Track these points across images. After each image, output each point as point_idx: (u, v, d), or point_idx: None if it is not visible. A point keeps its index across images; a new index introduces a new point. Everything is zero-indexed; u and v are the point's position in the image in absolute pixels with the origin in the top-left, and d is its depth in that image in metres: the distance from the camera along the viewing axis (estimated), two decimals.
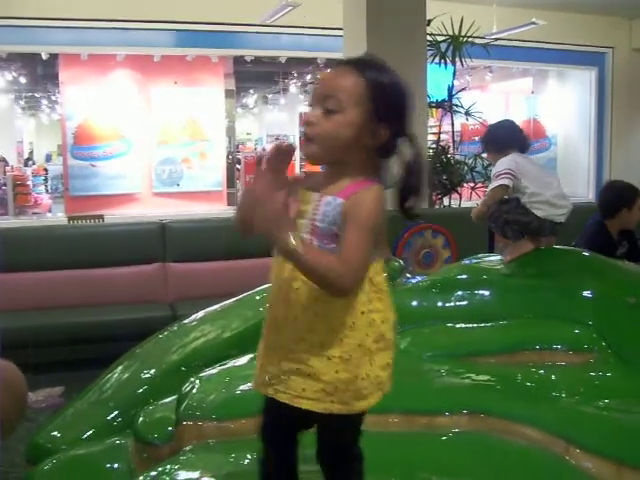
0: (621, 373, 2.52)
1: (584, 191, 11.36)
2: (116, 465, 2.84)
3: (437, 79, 7.09)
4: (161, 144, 9.61)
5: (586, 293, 2.90)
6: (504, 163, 3.25)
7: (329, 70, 1.48)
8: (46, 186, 13.34)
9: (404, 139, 1.47)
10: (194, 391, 2.56)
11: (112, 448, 2.93)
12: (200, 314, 3.70)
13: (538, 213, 3.12)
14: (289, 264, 1.41)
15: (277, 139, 12.15)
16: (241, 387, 2.50)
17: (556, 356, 2.56)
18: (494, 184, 3.24)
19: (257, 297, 3.60)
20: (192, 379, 2.69)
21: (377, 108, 1.41)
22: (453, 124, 7.34)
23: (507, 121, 3.77)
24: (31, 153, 18.54)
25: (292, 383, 1.47)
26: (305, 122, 1.44)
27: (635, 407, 2.27)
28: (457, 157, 7.36)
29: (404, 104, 1.46)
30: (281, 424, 1.61)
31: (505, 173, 3.19)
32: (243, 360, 2.80)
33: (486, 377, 2.43)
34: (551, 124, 12.44)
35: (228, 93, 10.63)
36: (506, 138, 3.43)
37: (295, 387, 1.46)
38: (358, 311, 1.44)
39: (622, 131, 10.82)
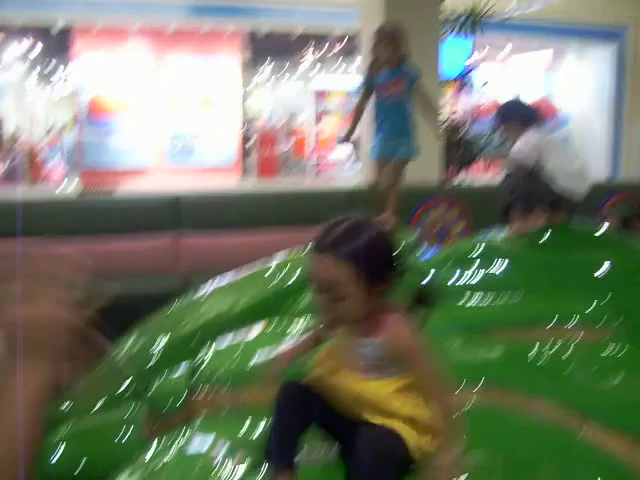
0: (637, 349, 2.48)
1: (599, 170, 11.25)
2: (127, 435, 2.85)
3: (453, 56, 7.03)
4: (174, 117, 9.57)
5: (604, 268, 2.86)
6: (527, 143, 3.22)
7: (314, 262, 1.57)
8: (60, 158, 13.32)
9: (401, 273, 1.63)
10: (206, 360, 2.56)
11: (124, 418, 2.94)
12: (212, 286, 3.70)
13: (556, 188, 3.08)
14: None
15: (291, 114, 12.07)
16: (254, 356, 2.49)
17: (572, 331, 2.53)
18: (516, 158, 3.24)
19: (270, 270, 3.59)
20: (204, 349, 2.69)
21: (372, 272, 1.55)
22: (467, 101, 7.28)
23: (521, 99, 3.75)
24: (51, 126, 18.47)
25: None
26: (320, 308, 1.60)
27: None
28: (471, 134, 7.30)
29: (389, 252, 1.61)
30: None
31: (528, 154, 3.19)
32: (256, 330, 2.79)
33: (501, 351, 2.40)
34: (567, 102, 12.31)
35: (242, 67, 10.56)
36: (527, 112, 3.40)
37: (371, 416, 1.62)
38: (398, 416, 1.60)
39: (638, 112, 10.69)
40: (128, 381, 3.17)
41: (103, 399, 3.10)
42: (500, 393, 2.18)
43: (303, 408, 1.67)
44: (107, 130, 9.37)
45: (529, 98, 8.26)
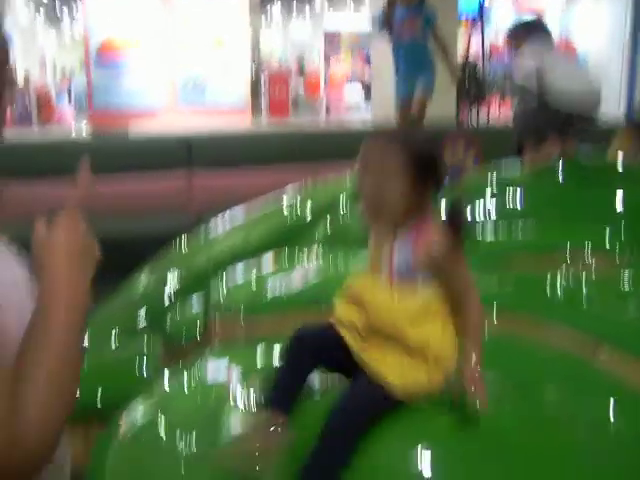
0: None
1: (614, 109, 11.10)
2: (144, 366, 2.88)
3: None
4: (185, 58, 9.47)
5: (619, 197, 2.84)
6: (528, 64, 3.17)
7: (370, 146, 1.64)
8: (70, 100, 13.24)
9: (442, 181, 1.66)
10: (222, 288, 2.57)
11: (140, 349, 2.97)
12: (226, 218, 3.70)
13: (563, 107, 3.03)
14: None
15: (302, 55, 11.93)
16: (269, 284, 2.50)
17: (587, 258, 2.52)
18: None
19: (283, 203, 3.59)
20: (219, 279, 2.70)
21: (420, 171, 1.59)
22: (483, 38, 7.17)
23: None
24: (61, 68, 18.32)
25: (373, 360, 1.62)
26: (361, 191, 1.62)
27: None
28: (485, 73, 7.22)
29: (437, 158, 1.65)
30: (328, 346, 1.69)
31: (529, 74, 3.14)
32: (269, 259, 2.80)
33: (515, 277, 2.40)
34: (584, 41, 12.09)
35: (253, 6, 10.41)
36: (531, 22, 3.35)
37: (375, 359, 1.61)
38: (439, 326, 1.64)
39: None
40: (144, 314, 3.20)
41: (119, 332, 3.14)
42: (513, 319, 2.18)
43: (310, 362, 1.69)
44: (118, 72, 9.30)
45: None
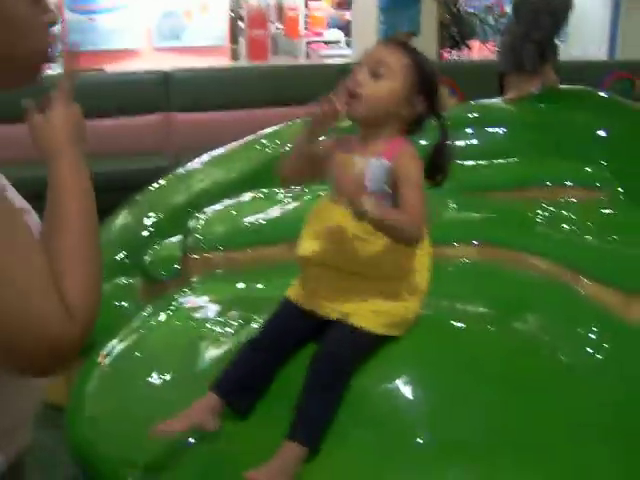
0: (630, 211, 2.49)
1: (596, 50, 11.01)
2: (124, 303, 2.87)
3: None
4: None
5: (600, 132, 2.83)
6: None
7: (379, 45, 1.62)
8: None
9: (434, 117, 1.60)
10: (200, 225, 2.54)
11: (120, 287, 2.96)
12: (204, 158, 3.66)
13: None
14: (343, 210, 1.50)
15: None
16: (247, 219, 2.48)
17: (567, 192, 2.52)
18: None
19: (263, 140, 3.56)
20: (197, 215, 2.68)
21: (418, 82, 1.55)
22: None
23: None
24: None
25: (343, 307, 1.57)
26: (353, 80, 1.54)
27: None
28: (468, 10, 7.12)
29: (437, 84, 1.60)
30: (294, 331, 1.64)
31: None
32: (247, 196, 2.78)
33: (496, 211, 2.40)
34: None
35: None
36: None
37: (345, 309, 1.56)
38: (416, 255, 1.60)
39: None
40: (122, 252, 3.19)
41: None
42: (494, 250, 2.18)
43: (273, 362, 1.62)
44: (93, 10, 9.08)
45: None
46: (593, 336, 1.83)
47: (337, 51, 10.90)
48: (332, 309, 1.58)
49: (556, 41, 3.29)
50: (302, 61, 10.37)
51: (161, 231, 3.11)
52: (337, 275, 1.58)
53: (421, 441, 1.48)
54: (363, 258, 1.55)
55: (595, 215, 2.41)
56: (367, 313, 1.55)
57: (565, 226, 2.30)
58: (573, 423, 1.58)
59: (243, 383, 1.59)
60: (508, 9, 4.43)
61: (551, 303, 1.97)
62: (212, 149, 3.78)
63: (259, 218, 2.45)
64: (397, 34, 1.43)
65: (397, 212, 1.50)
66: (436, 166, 1.59)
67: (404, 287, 1.60)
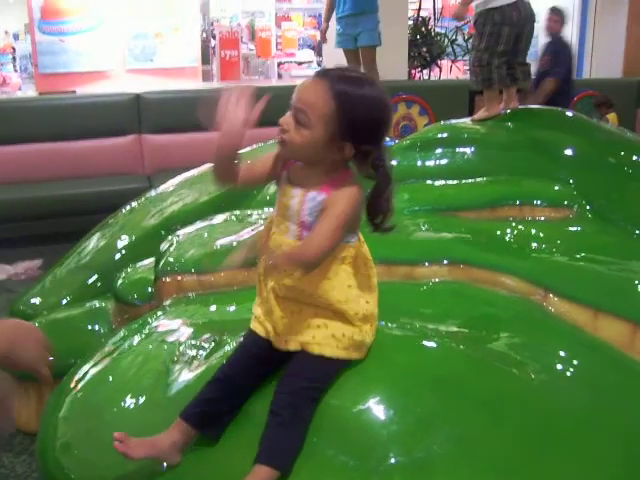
0: (598, 229, 2.51)
1: None
2: (97, 326, 2.87)
3: None
4: (133, 18, 9.27)
5: (567, 152, 2.87)
6: None
7: (308, 80, 1.50)
8: (14, 65, 12.90)
9: (374, 155, 1.49)
10: (172, 248, 2.55)
11: (92, 310, 2.96)
12: (176, 180, 3.67)
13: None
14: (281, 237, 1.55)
15: (253, 15, 11.77)
16: (219, 241, 2.49)
17: (536, 211, 2.55)
18: None
19: None
20: (170, 237, 2.68)
21: (343, 128, 1.45)
22: None
23: None
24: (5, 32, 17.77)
25: (303, 336, 1.56)
26: (280, 124, 1.48)
27: (611, 259, 2.28)
28: (437, 30, 7.20)
29: (376, 120, 1.48)
30: (259, 361, 1.63)
31: None
32: (219, 218, 2.78)
33: (466, 230, 2.42)
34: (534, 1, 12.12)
35: None
36: None
37: (305, 338, 1.55)
38: (344, 285, 1.56)
39: (606, 6, 10.56)
40: (95, 275, 3.18)
41: (72, 293, 3.12)
42: (465, 270, 2.20)
43: (242, 392, 1.62)
44: (63, 32, 9.06)
45: None
46: (563, 353, 1.85)
47: (309, 71, 10.97)
48: (291, 340, 1.56)
49: (527, 61, 3.35)
50: (274, 82, 10.40)
51: (133, 254, 3.12)
52: (288, 302, 1.57)
53: (393, 460, 1.48)
54: (298, 285, 1.54)
55: (563, 233, 2.44)
56: (326, 339, 1.54)
57: (534, 245, 2.32)
58: (544, 439, 1.59)
59: (213, 412, 1.59)
60: None
61: (521, 321, 1.99)
62: (184, 171, 3.79)
63: (231, 240, 2.45)
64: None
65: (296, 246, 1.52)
66: (374, 209, 1.52)
67: (354, 311, 1.56)
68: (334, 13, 5.02)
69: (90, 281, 3.16)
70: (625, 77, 8.67)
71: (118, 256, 3.21)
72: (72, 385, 2.01)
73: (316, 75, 1.50)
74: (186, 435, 1.57)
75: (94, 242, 3.39)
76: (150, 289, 2.67)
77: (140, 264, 2.94)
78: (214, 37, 10.63)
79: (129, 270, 2.92)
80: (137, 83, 8.82)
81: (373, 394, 1.59)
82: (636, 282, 2.09)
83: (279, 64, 11.13)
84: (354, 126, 1.45)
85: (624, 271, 2.17)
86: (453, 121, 3.27)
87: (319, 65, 10.62)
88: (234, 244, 2.41)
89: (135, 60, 9.30)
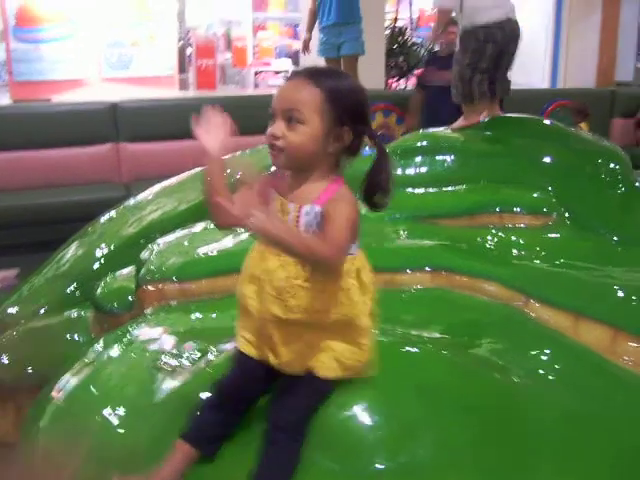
0: (577, 236, 2.54)
1: (539, 79, 11.29)
2: (76, 336, 2.84)
3: None
4: (109, 26, 9.24)
5: (546, 159, 2.90)
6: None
7: (286, 83, 1.52)
8: None
9: (367, 138, 1.52)
10: (153, 256, 2.53)
11: (71, 320, 2.93)
12: (155, 188, 3.65)
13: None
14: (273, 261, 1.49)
15: (229, 23, 11.78)
16: (200, 249, 2.48)
17: (516, 219, 2.57)
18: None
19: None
20: (150, 246, 2.67)
21: (337, 113, 1.46)
22: (411, 4, 7.20)
23: None
24: None
25: (303, 360, 1.54)
26: (270, 135, 1.46)
27: (591, 265, 2.31)
28: (415, 39, 7.25)
29: (362, 105, 1.52)
30: (254, 381, 1.61)
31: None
32: (199, 226, 2.78)
33: (447, 237, 2.44)
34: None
35: None
36: None
37: (305, 362, 1.53)
38: (357, 302, 1.53)
39: (580, 17, 10.69)
40: (74, 284, 3.16)
41: (50, 302, 3.09)
42: (446, 276, 2.22)
43: (237, 409, 1.62)
44: (39, 40, 9.00)
45: None
46: (545, 358, 1.87)
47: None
48: (296, 364, 1.54)
49: (507, 76, 3.39)
50: (250, 91, 10.40)
51: (112, 263, 3.09)
52: (290, 326, 1.53)
53: (379, 465, 1.49)
54: (294, 309, 1.50)
55: (543, 240, 2.46)
56: (330, 361, 1.52)
57: (515, 252, 2.35)
58: (528, 443, 1.61)
59: (216, 433, 1.59)
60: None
61: (503, 327, 2.01)
62: (162, 179, 3.77)
63: (213, 248, 2.44)
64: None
65: (310, 236, 1.46)
66: (373, 186, 1.51)
67: (354, 331, 1.55)
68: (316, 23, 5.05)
69: (69, 290, 3.13)
70: (599, 87, 8.78)
71: (97, 265, 3.18)
72: (54, 394, 1.99)
73: (292, 76, 1.53)
74: (188, 458, 1.57)
75: (72, 251, 3.36)
76: (130, 298, 2.65)
77: (119, 273, 2.92)
78: (190, 46, 10.63)
79: (108, 279, 2.90)
80: (113, 91, 8.79)
81: (358, 400, 1.60)
82: (615, 287, 2.13)
83: (256, 73, 11.12)
84: (347, 108, 1.47)
85: (604, 277, 2.20)
86: (432, 130, 3.29)
87: None
88: (215, 252, 2.40)
89: (111, 68, 9.26)
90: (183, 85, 9.77)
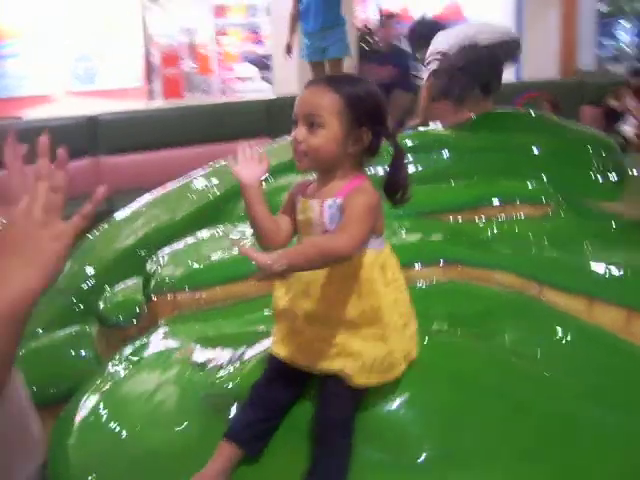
0: (579, 222, 2.60)
1: (506, 71, 11.38)
2: (81, 352, 2.82)
3: None
4: (74, 39, 9.16)
5: (538, 151, 2.95)
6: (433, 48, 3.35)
7: (306, 90, 1.58)
8: None
9: (385, 139, 1.58)
10: (162, 265, 2.53)
11: (75, 336, 2.91)
12: (144, 200, 3.63)
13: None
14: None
15: (192, 31, 11.74)
16: (211, 256, 2.48)
17: (516, 209, 2.60)
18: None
19: (203, 179, 3.56)
20: (156, 256, 2.66)
21: (356, 116, 1.53)
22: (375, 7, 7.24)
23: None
24: None
25: (332, 365, 1.55)
26: (294, 140, 1.54)
27: (597, 249, 2.36)
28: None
29: (379, 107, 1.58)
30: (287, 383, 1.64)
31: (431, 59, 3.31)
32: (206, 234, 2.78)
33: (453, 231, 2.47)
34: (471, 6, 12.32)
35: None
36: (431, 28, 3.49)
37: (335, 367, 1.55)
38: (383, 292, 1.57)
39: (540, 8, 10.82)
40: (74, 301, 3.13)
41: (51, 319, 3.06)
42: (458, 269, 2.25)
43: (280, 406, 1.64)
44: (3, 56, 8.89)
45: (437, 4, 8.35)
46: (566, 342, 1.92)
47: (252, 86, 10.99)
48: (323, 366, 1.56)
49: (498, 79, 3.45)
50: (218, 98, 10.37)
51: (111, 276, 3.07)
52: (314, 326, 1.57)
53: (428, 455, 1.53)
54: (322, 301, 1.55)
55: (546, 228, 2.50)
56: (357, 368, 1.54)
57: (522, 241, 2.39)
58: (563, 424, 1.66)
59: (262, 431, 1.61)
60: None
61: (522, 315, 2.05)
62: (144, 190, 3.76)
63: (224, 254, 2.45)
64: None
65: (308, 242, 1.53)
66: (394, 183, 1.58)
67: (379, 329, 1.57)
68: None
69: (69, 306, 3.11)
70: (563, 77, 8.91)
71: (95, 279, 3.16)
72: (80, 411, 1.98)
73: (310, 84, 1.60)
74: (232, 459, 1.57)
75: (68, 266, 3.33)
76: (137, 309, 2.64)
77: (121, 285, 2.91)
78: (155, 55, 10.58)
79: (110, 292, 2.89)
80: (81, 105, 8.72)
81: (397, 392, 1.62)
82: (625, 269, 2.18)
83: (222, 80, 11.11)
84: (365, 110, 1.54)
85: (611, 260, 2.24)
86: (422, 128, 3.33)
87: (263, 80, 10.66)
88: (227, 258, 2.41)
89: (77, 82, 9.20)
90: (151, 95, 9.73)
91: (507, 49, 3.36)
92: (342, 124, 1.52)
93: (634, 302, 2.08)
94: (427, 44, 3.55)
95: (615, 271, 2.18)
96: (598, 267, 2.22)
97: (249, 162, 1.59)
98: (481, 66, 3.21)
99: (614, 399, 1.81)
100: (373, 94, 1.58)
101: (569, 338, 1.96)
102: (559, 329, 1.97)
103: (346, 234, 1.45)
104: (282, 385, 1.63)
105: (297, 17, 5.03)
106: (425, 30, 3.73)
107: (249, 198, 1.57)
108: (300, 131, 1.53)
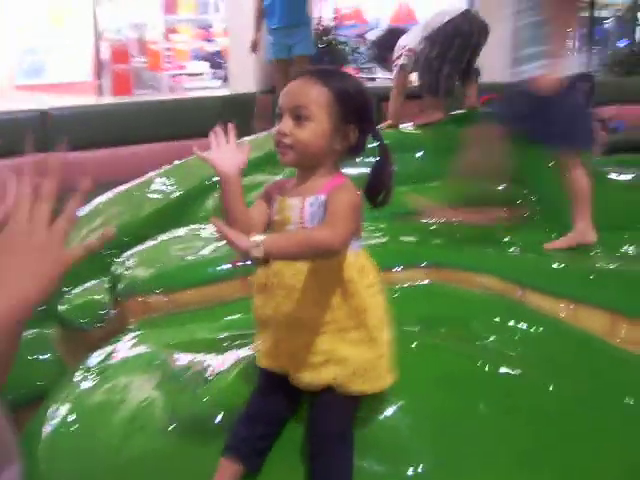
0: (555, 225, 2.59)
1: None
2: (42, 355, 2.72)
3: None
4: (21, 31, 8.92)
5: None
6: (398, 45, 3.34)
7: (293, 82, 1.51)
8: None
9: (371, 137, 1.53)
10: (129, 267, 2.44)
11: (34, 339, 2.79)
12: (103, 198, 3.51)
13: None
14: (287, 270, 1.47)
15: (141, 27, 11.54)
16: (183, 258, 2.40)
17: (494, 212, 2.59)
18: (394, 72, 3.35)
19: (163, 178, 3.47)
20: (122, 257, 2.57)
21: (344, 112, 1.47)
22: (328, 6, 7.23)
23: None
24: None
25: (323, 375, 1.49)
26: (278, 132, 1.47)
27: (578, 251, 2.35)
28: (339, 39, 7.28)
29: (368, 105, 1.53)
30: (280, 397, 1.58)
31: (400, 55, 3.30)
32: (175, 235, 2.69)
33: (432, 233, 2.44)
34: (424, 6, 12.38)
35: None
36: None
37: (326, 377, 1.49)
38: (365, 294, 1.51)
39: (492, 10, 10.94)
40: None
41: None
42: (441, 271, 2.22)
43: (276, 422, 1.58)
44: None
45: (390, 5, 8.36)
46: (552, 346, 1.91)
47: (202, 83, 10.84)
48: (312, 379, 1.50)
49: (475, 66, 3.51)
50: (165, 95, 10.19)
51: (72, 278, 2.95)
52: (300, 333, 1.50)
53: (426, 463, 1.50)
54: (304, 304, 1.48)
55: (523, 230, 2.49)
56: (348, 377, 1.48)
57: (502, 244, 2.37)
58: (556, 425, 1.64)
59: (264, 447, 1.55)
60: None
61: (503, 315, 2.01)
62: (99, 188, 3.63)
63: (198, 256, 2.37)
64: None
65: (297, 232, 1.46)
66: (377, 184, 1.53)
67: (365, 332, 1.51)
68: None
69: None
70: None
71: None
72: (48, 422, 1.88)
73: (298, 76, 1.52)
74: (234, 476, 1.51)
75: None
76: (101, 312, 2.55)
77: (83, 287, 2.81)
78: (105, 50, 10.35)
79: (71, 295, 2.78)
80: (29, 100, 8.46)
81: (392, 400, 1.58)
82: (608, 272, 2.17)
83: (172, 76, 10.94)
84: (354, 107, 1.48)
85: (594, 262, 2.23)
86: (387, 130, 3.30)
87: (214, 77, 10.53)
88: (200, 259, 2.33)
89: (25, 76, 8.96)
90: (100, 91, 9.51)
91: (471, 18, 3.38)
92: (331, 119, 1.46)
93: (618, 305, 2.07)
94: (392, 51, 3.57)
95: (598, 274, 2.17)
96: (580, 270, 2.21)
97: (226, 150, 1.49)
98: (453, 40, 3.23)
99: (600, 401, 1.79)
100: (361, 91, 1.53)
101: (552, 342, 1.94)
102: (542, 333, 1.95)
103: (331, 228, 1.38)
104: (279, 397, 1.57)
105: (262, 12, 4.95)
106: (389, 37, 3.73)
107: (228, 191, 1.47)
108: (286, 123, 1.45)
